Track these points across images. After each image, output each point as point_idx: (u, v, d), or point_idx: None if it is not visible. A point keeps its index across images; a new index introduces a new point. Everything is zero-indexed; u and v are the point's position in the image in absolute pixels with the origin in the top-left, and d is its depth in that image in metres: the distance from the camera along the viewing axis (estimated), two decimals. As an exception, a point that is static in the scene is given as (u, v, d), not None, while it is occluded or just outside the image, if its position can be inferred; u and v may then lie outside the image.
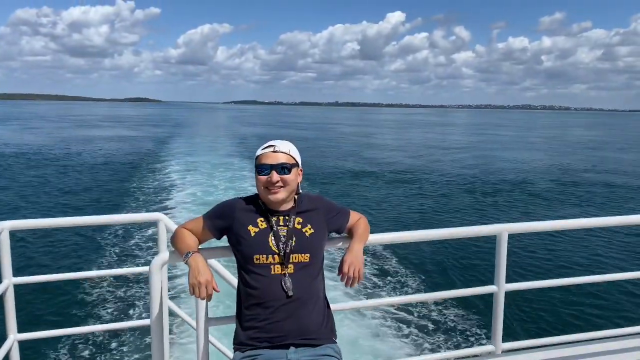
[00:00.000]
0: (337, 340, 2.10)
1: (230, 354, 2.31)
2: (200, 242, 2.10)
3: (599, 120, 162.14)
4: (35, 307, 7.74)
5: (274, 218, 2.04)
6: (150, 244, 11.05)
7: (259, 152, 2.08)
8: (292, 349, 1.95)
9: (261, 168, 2.02)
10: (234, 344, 2.04)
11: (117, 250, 10.79)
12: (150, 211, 13.64)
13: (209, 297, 1.94)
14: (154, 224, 2.77)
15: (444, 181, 23.24)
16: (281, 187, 2.01)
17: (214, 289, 1.93)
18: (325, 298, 2.12)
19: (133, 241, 11.38)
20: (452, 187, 21.67)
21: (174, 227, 2.52)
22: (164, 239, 2.66)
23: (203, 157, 28.85)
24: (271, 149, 2.04)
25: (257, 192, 2.13)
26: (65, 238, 11.45)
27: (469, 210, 16.85)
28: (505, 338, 2.65)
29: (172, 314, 2.68)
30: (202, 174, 21.87)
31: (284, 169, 2.01)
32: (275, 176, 1.99)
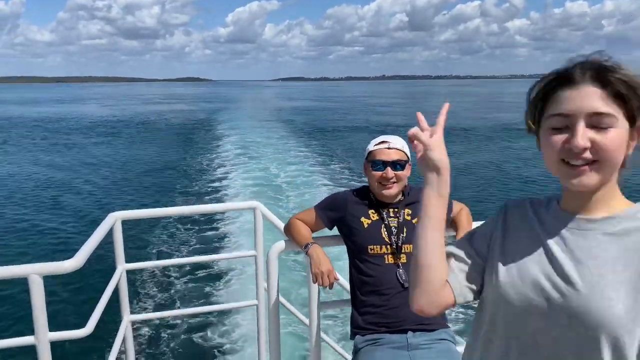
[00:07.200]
0: (449, 325, 2.17)
1: (342, 338, 2.68)
2: (312, 232, 2.24)
3: None
4: (144, 291, 8.17)
5: (385, 210, 2.16)
6: (234, 229, 11.15)
7: (371, 147, 2.19)
8: (410, 333, 2.03)
9: (376, 164, 2.13)
10: (352, 327, 2.16)
11: (210, 237, 11.00)
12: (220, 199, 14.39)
13: (330, 285, 2.05)
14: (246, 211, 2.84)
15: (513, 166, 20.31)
16: (394, 182, 2.12)
17: (335, 277, 2.06)
18: None
19: (223, 228, 11.41)
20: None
21: (269, 214, 2.73)
22: (260, 225, 2.77)
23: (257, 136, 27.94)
24: (385, 145, 2.15)
25: (364, 184, 2.27)
26: (161, 226, 11.63)
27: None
28: None
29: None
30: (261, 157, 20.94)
31: (398, 165, 2.12)
32: (390, 173, 2.10)
